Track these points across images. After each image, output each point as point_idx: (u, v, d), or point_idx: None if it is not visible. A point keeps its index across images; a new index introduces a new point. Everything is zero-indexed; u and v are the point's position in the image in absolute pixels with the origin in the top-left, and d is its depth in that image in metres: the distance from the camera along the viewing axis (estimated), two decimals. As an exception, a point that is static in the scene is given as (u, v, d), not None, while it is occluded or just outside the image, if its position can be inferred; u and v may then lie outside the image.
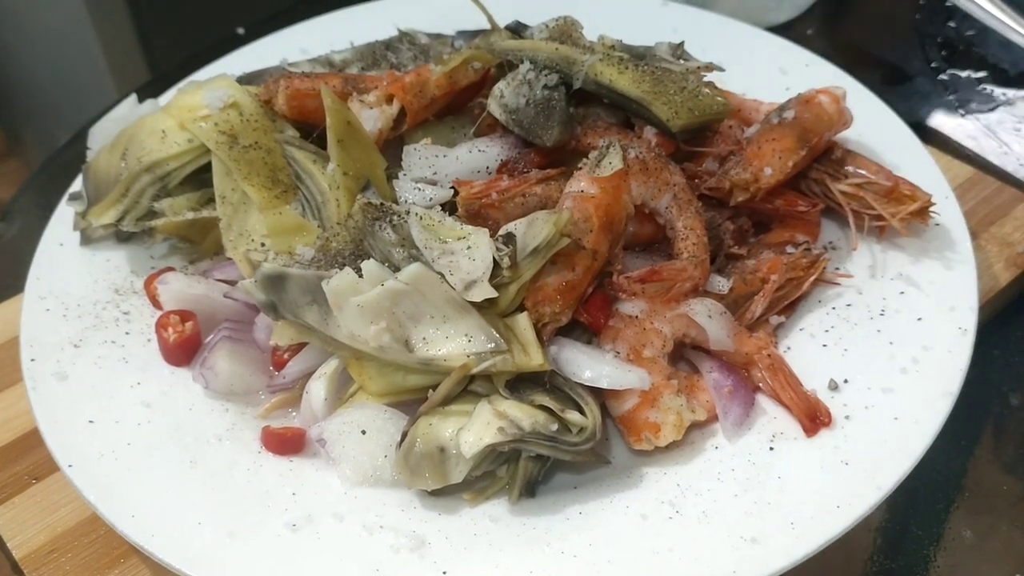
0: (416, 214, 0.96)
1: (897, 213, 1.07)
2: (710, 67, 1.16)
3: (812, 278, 1.05)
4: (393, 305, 0.92)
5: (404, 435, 0.91)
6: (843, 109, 1.13)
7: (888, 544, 0.98)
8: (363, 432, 0.94)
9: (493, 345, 0.91)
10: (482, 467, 0.91)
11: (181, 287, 1.08)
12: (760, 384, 0.98)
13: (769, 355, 0.99)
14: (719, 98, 1.12)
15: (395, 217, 0.97)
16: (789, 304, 1.05)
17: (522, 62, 1.10)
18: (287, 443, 0.98)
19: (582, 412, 0.92)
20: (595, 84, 1.09)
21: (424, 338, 0.93)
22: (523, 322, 0.94)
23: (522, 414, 0.90)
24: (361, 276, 0.93)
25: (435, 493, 0.92)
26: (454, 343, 0.92)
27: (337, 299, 0.93)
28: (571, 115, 1.09)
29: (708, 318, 0.98)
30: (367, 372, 0.96)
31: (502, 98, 1.08)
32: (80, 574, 0.95)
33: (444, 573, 0.86)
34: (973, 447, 1.06)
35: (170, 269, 1.12)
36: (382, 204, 0.99)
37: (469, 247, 0.93)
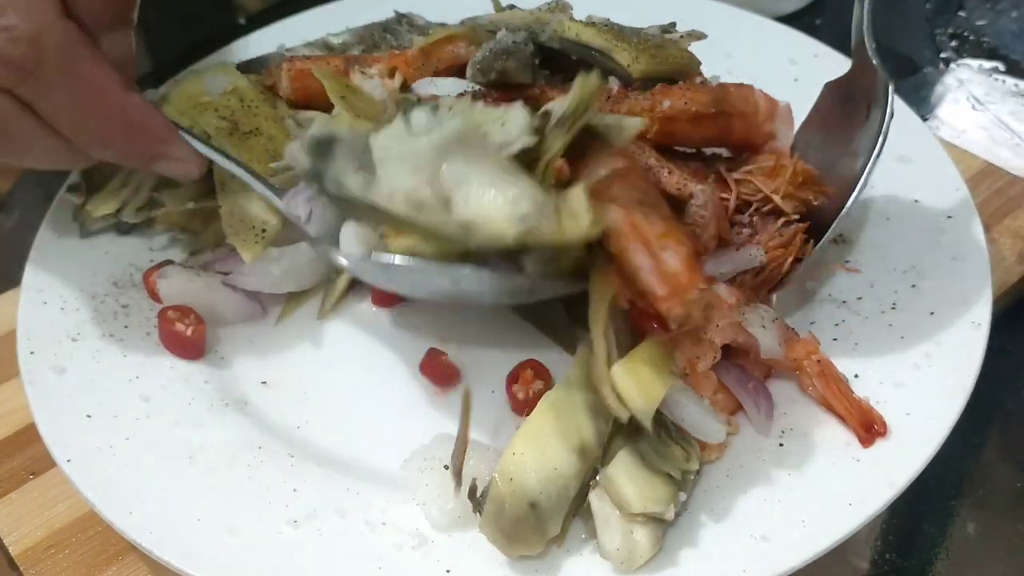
0: (449, 101, 0.93)
1: (778, 188, 1.01)
2: (693, 34, 1.14)
3: (794, 255, 1.00)
4: (440, 159, 0.86)
5: (478, 491, 0.85)
6: (773, 126, 1.08)
7: (899, 542, 0.97)
8: (446, 467, 0.89)
9: (539, 208, 0.84)
10: (573, 508, 0.86)
11: (181, 281, 1.07)
12: (810, 391, 0.95)
13: (819, 361, 0.95)
14: (689, 52, 1.10)
15: (430, 107, 0.92)
16: (772, 287, 1.01)
17: (500, 30, 1.10)
18: None
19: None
20: (560, 40, 1.09)
21: (467, 199, 0.86)
22: (576, 193, 0.87)
23: (647, 497, 0.83)
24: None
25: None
26: (498, 205, 0.85)
27: (383, 152, 0.88)
28: (534, 63, 1.09)
29: (762, 328, 0.93)
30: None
31: (476, 64, 1.08)
32: (77, 571, 0.93)
33: (448, 571, 0.85)
34: (986, 443, 1.04)
35: (169, 262, 1.11)
36: (418, 97, 0.96)
37: (503, 123, 0.89)
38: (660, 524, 0.84)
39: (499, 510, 0.83)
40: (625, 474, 0.84)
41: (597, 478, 0.86)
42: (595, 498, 0.85)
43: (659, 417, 0.86)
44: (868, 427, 0.91)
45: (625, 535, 0.83)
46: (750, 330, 0.93)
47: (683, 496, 0.86)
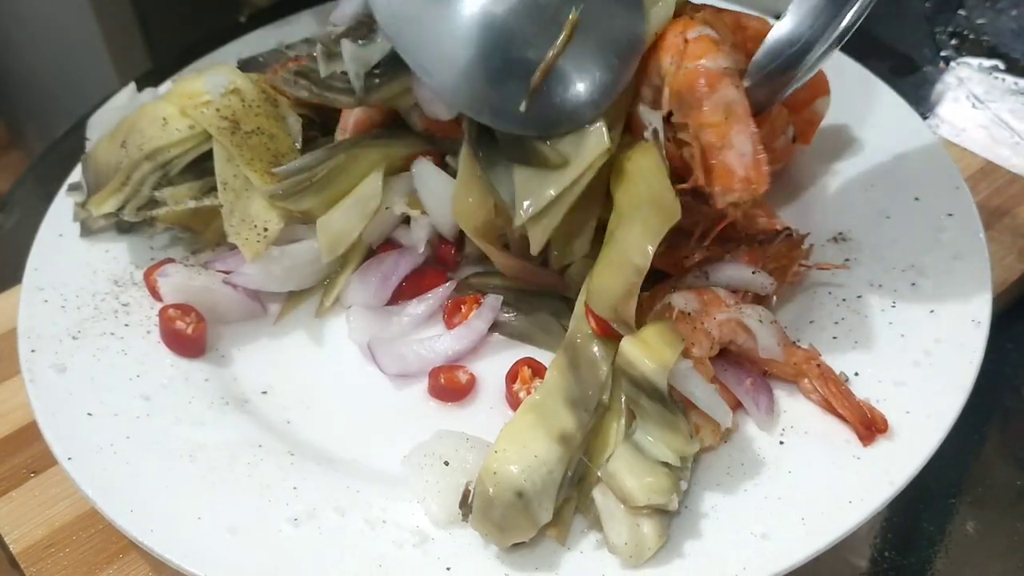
0: None
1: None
2: None
3: (795, 266, 1.01)
4: None
5: (468, 494, 0.86)
6: None
7: (898, 539, 0.97)
8: (446, 463, 0.90)
9: None
10: (562, 495, 0.86)
11: (182, 279, 1.07)
12: (810, 395, 0.95)
13: (819, 365, 0.95)
14: None
15: None
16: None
17: None
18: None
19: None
20: None
21: None
22: None
23: (650, 489, 0.84)
24: None
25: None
26: None
27: None
28: None
29: (759, 322, 0.94)
30: None
31: None
32: (78, 569, 0.94)
33: (448, 569, 0.85)
34: (985, 441, 1.04)
35: (170, 260, 1.11)
36: None
37: None
38: (664, 515, 0.84)
39: (487, 504, 0.84)
40: (626, 468, 0.85)
41: (599, 474, 0.86)
42: (599, 494, 0.86)
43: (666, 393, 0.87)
44: (868, 426, 0.91)
45: (632, 528, 0.83)
46: (747, 322, 0.94)
47: (684, 484, 0.86)
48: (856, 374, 0.96)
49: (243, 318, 1.09)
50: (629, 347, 0.88)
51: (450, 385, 1.01)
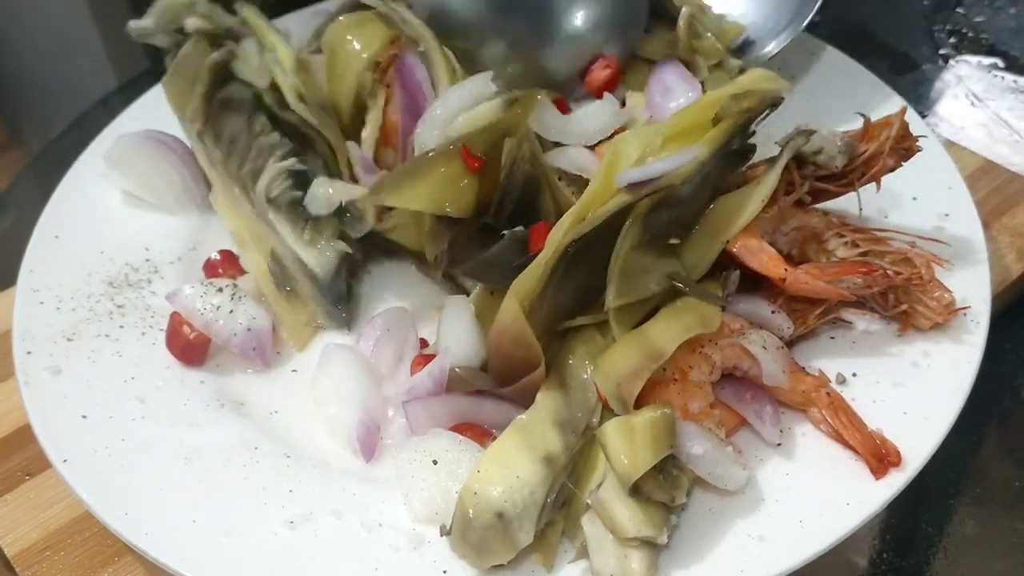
0: None
1: (883, 145, 1.00)
2: None
3: (817, 311, 0.98)
4: None
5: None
6: None
7: (897, 541, 0.97)
8: (435, 462, 0.89)
9: None
10: (544, 518, 0.84)
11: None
12: (820, 425, 0.92)
13: (828, 394, 0.92)
14: None
15: None
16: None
17: None
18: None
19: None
20: None
21: None
22: None
23: (640, 523, 0.81)
24: None
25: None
26: None
27: None
28: None
29: (763, 348, 0.91)
30: None
31: None
32: (74, 572, 0.93)
33: (444, 572, 0.85)
34: (984, 441, 1.04)
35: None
36: None
37: None
38: (653, 548, 0.82)
39: (465, 524, 0.82)
40: (617, 498, 0.82)
41: (589, 501, 0.84)
42: (587, 522, 0.84)
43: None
44: (881, 458, 0.88)
45: (619, 559, 0.81)
46: (750, 348, 0.91)
47: (675, 520, 0.84)
48: (854, 375, 0.95)
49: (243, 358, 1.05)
50: (613, 432, 0.84)
51: (475, 438, 0.94)
